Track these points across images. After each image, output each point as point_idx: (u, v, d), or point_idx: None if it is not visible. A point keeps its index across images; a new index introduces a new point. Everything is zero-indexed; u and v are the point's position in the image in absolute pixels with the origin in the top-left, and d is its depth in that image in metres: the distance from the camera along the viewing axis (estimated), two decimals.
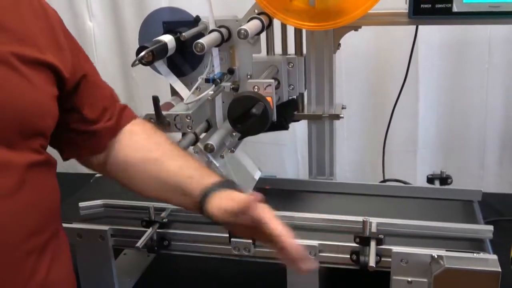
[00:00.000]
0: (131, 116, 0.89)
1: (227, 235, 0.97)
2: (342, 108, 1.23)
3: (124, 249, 1.18)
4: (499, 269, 0.84)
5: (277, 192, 1.20)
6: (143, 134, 0.88)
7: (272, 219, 0.73)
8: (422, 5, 1.01)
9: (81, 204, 1.12)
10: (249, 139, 1.09)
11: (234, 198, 0.77)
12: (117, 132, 0.87)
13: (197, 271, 1.16)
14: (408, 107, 1.58)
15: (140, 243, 0.97)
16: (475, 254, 0.89)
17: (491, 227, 0.96)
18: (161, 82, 1.10)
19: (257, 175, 1.17)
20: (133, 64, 0.95)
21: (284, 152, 1.76)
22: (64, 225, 1.04)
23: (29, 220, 0.70)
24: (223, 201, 0.78)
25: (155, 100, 0.98)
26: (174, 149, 0.88)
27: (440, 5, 1.00)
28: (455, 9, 1.00)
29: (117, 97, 0.89)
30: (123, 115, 0.88)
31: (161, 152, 0.86)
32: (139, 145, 0.87)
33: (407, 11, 1.03)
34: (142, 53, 0.94)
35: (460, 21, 1.05)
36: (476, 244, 0.95)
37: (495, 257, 0.88)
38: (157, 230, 1.01)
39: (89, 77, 0.82)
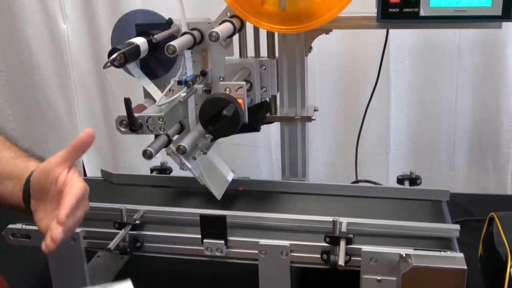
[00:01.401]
0: None
1: (200, 236, 0.98)
2: (315, 110, 1.24)
3: (97, 251, 1.18)
4: (465, 267, 0.86)
5: (250, 194, 1.21)
6: None
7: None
8: (390, 9, 1.02)
9: None
10: (223, 140, 1.09)
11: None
12: None
13: (171, 272, 1.16)
14: (380, 109, 1.60)
15: (112, 244, 0.97)
16: (442, 253, 0.91)
17: (457, 226, 0.98)
18: (135, 84, 1.10)
19: (230, 176, 1.18)
20: (105, 66, 0.95)
21: (259, 153, 1.77)
22: (35, 227, 1.04)
23: None
24: None
25: (127, 102, 0.98)
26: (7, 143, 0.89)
27: (407, 9, 1.02)
28: (422, 13, 1.02)
29: None
30: None
31: None
32: None
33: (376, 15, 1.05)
34: (114, 55, 0.94)
35: (427, 25, 1.06)
36: (443, 242, 0.97)
37: (461, 255, 0.90)
38: (129, 232, 1.01)
39: None
